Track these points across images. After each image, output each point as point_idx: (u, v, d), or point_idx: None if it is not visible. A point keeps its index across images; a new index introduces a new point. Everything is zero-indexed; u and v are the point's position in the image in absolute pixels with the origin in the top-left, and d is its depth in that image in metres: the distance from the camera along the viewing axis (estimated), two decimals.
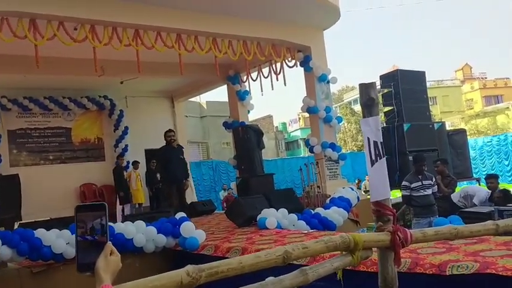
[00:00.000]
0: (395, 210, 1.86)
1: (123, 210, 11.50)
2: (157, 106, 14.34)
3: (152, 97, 14.15)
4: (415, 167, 7.09)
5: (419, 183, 6.91)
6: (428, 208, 6.93)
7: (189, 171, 9.81)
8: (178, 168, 9.26)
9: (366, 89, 1.91)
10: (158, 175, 12.83)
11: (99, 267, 1.25)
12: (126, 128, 13.42)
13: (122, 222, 6.38)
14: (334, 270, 1.77)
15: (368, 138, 1.87)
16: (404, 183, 7.05)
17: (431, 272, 3.47)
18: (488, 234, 2.18)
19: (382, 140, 1.90)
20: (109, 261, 1.27)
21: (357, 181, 18.11)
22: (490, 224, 2.20)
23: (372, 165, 1.86)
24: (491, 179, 7.66)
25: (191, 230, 5.88)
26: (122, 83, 11.92)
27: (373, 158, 1.86)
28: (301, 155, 31.24)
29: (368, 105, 1.91)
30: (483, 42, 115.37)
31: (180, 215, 6.29)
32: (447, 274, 3.35)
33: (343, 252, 1.78)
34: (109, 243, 1.32)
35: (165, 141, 9.48)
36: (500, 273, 3.06)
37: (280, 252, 1.52)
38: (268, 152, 29.74)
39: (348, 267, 3.92)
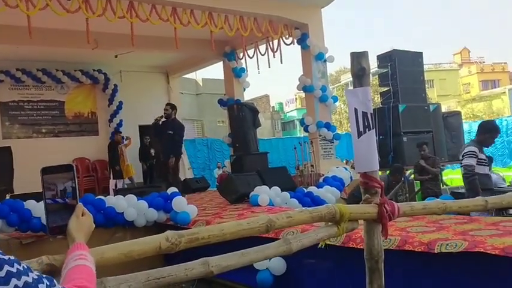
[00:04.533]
0: (383, 183, 1.84)
1: (115, 185, 11.49)
2: (152, 82, 14.22)
3: (147, 72, 14.02)
4: (485, 137, 5.39)
5: (484, 157, 5.39)
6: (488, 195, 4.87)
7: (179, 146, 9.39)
8: (166, 143, 8.95)
9: (357, 58, 1.86)
10: (152, 151, 12.76)
11: (71, 228, 1.21)
12: (121, 102, 13.31)
13: (114, 196, 6.38)
14: (318, 240, 1.74)
15: (355, 109, 1.83)
16: (471, 148, 5.26)
17: (420, 250, 3.48)
18: (477, 210, 2.17)
19: (372, 112, 1.86)
20: (81, 222, 1.24)
21: (344, 161, 18.06)
22: (480, 200, 2.18)
23: (358, 137, 1.82)
24: None
25: (183, 205, 5.88)
26: (116, 57, 11.77)
27: (361, 129, 1.82)
28: (297, 136, 31.18)
29: (359, 75, 1.86)
30: (482, 25, 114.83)
31: (172, 190, 6.28)
32: (435, 252, 3.36)
33: (329, 223, 1.75)
34: (80, 204, 1.28)
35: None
36: (489, 251, 3.07)
37: (263, 221, 1.49)
38: (264, 132, 29.71)
39: (336, 244, 3.94)
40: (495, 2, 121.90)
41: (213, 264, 1.37)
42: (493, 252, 3.04)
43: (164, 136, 8.61)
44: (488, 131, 5.41)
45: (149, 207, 5.97)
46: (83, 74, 12.90)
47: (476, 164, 5.22)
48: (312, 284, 4.43)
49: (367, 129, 1.85)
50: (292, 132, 41.45)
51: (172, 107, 8.85)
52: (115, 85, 13.33)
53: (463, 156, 5.27)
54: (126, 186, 11.68)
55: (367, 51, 1.87)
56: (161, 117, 8.80)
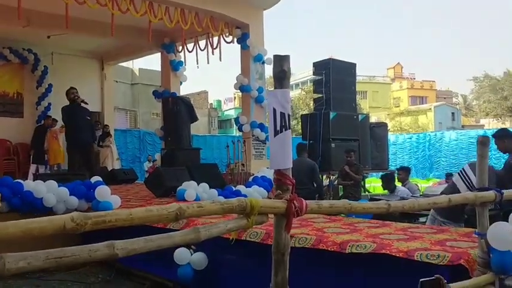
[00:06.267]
0: (294, 181, 1.94)
1: (37, 170, 10.97)
2: (86, 67, 13.76)
3: (81, 57, 13.56)
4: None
5: None
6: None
7: (96, 134, 9.19)
8: (83, 130, 8.66)
9: (279, 60, 1.94)
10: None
11: None
12: (50, 85, 12.76)
13: (33, 180, 6.12)
14: (228, 231, 1.81)
15: (274, 109, 1.91)
16: None
17: (332, 249, 3.63)
18: (380, 212, 2.33)
19: (290, 113, 1.95)
20: None
21: None
22: (382, 204, 2.34)
23: (275, 135, 1.91)
24: (401, 171, 8.04)
25: (106, 194, 5.73)
26: (49, 37, 11.29)
27: (278, 128, 1.91)
28: (233, 134, 31.28)
29: (280, 77, 1.95)
30: (417, 43, 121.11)
31: (96, 178, 6.12)
32: (346, 252, 3.52)
33: (240, 216, 1.82)
34: None
35: (68, 101, 8.70)
36: (393, 253, 3.27)
37: (173, 209, 1.53)
38: (199, 128, 29.52)
39: (255, 240, 4.04)
40: (431, 24, 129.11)
41: (119, 247, 1.39)
42: (397, 255, 3.25)
43: (84, 121, 8.32)
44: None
45: (70, 194, 5.77)
46: (11, 52, 12.26)
47: None
48: (231, 279, 4.50)
49: (283, 129, 1.94)
50: (228, 130, 41.48)
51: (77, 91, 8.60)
52: (45, 67, 12.79)
53: None
54: (49, 171, 11.20)
55: (289, 55, 1.96)
56: (75, 101, 8.46)
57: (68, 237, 1.91)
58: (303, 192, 6.62)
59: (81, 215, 1.31)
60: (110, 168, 11.53)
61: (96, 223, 1.33)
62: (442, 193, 4.83)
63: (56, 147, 11.41)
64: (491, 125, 39.33)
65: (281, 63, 1.94)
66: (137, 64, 25.08)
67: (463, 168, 4.27)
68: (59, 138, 11.34)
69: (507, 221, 2.79)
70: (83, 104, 8.83)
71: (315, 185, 8.02)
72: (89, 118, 8.45)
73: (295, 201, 1.86)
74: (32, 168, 11.23)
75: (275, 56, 1.97)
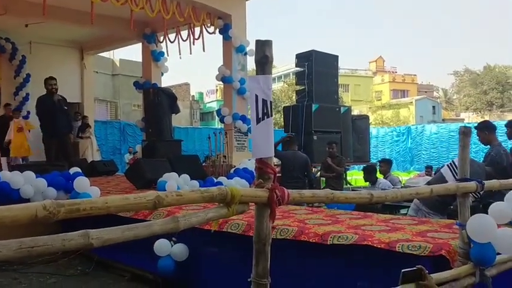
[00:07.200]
0: (276, 170, 1.90)
1: (10, 162, 10.65)
2: (65, 56, 13.51)
3: (60, 46, 13.29)
4: None
5: None
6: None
7: (72, 124, 9.15)
8: (60, 121, 8.66)
9: (261, 46, 1.90)
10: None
11: None
12: (28, 75, 12.50)
13: (10, 171, 5.98)
14: (207, 220, 1.76)
15: (256, 95, 1.87)
16: None
17: (314, 241, 3.62)
18: (363, 202, 2.31)
19: (272, 100, 1.91)
20: None
21: None
22: (365, 193, 2.32)
23: (257, 123, 1.87)
24: (382, 163, 8.08)
25: (85, 186, 5.64)
26: (26, 26, 11.01)
27: (260, 116, 1.87)
28: (215, 127, 31.15)
29: (262, 63, 1.90)
30: (400, 37, 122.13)
31: (74, 170, 6.01)
32: (328, 243, 3.51)
33: (220, 204, 1.79)
34: None
35: (45, 90, 8.76)
36: (375, 245, 3.27)
37: (151, 197, 1.48)
38: (181, 121, 29.35)
39: (237, 232, 4.01)
40: (413, 18, 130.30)
41: (94, 236, 1.34)
42: (379, 246, 3.25)
43: (62, 111, 8.22)
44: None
45: (48, 185, 5.66)
46: None
47: None
48: (213, 271, 4.47)
49: (265, 117, 1.90)
50: (210, 123, 41.30)
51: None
52: (23, 56, 12.51)
53: None
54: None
55: (271, 40, 1.92)
56: (53, 93, 8.37)
57: (48, 231, 1.85)
58: (298, 185, 6.60)
59: (54, 202, 1.25)
60: (89, 160, 11.35)
61: (70, 211, 1.27)
62: (428, 183, 4.93)
63: (20, 139, 10.86)
64: (471, 118, 39.93)
65: (263, 48, 1.90)
66: (118, 55, 24.79)
67: (452, 161, 4.36)
68: (25, 130, 10.93)
69: (486, 213, 2.80)
70: (59, 93, 8.71)
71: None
72: (65, 108, 8.34)
73: (276, 190, 1.83)
74: (3, 160, 10.82)
75: (257, 41, 1.92)
